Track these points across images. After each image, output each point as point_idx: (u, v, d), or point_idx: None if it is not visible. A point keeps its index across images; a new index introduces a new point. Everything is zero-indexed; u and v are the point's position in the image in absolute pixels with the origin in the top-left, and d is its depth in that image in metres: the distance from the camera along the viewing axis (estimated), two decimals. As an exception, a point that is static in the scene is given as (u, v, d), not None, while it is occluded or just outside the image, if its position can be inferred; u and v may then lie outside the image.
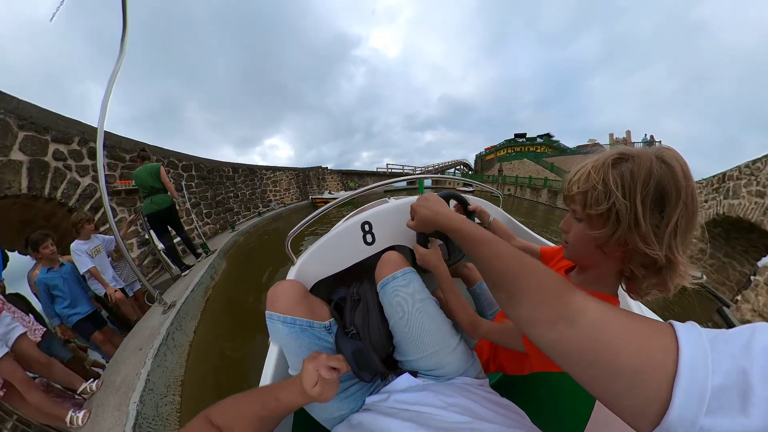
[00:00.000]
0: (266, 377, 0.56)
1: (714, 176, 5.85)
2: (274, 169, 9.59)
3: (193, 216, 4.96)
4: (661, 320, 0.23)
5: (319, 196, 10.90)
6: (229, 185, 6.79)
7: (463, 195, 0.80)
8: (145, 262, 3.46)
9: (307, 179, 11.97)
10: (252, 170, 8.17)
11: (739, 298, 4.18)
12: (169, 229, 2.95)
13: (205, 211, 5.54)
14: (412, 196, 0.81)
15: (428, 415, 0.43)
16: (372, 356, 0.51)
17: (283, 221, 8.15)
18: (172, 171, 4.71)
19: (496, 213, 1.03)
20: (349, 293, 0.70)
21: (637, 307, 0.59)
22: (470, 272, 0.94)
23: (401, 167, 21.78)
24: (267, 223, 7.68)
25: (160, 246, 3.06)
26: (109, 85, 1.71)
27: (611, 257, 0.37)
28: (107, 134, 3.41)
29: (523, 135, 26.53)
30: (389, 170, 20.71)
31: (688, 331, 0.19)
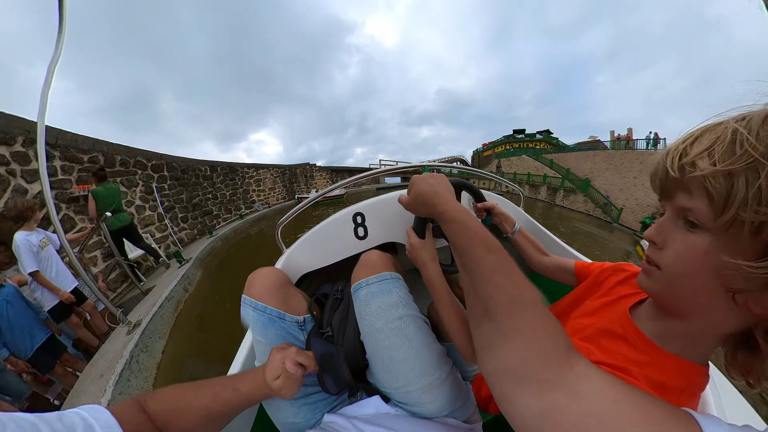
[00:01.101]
0: (236, 366, 0.55)
1: None
2: (258, 167, 9.25)
3: (167, 221, 4.72)
4: (674, 407, 0.18)
5: (306, 195, 10.80)
6: (206, 186, 6.50)
7: (480, 190, 0.67)
8: (112, 276, 3.22)
9: (293, 177, 11.66)
10: (232, 168, 7.87)
11: None
12: (126, 243, 3.15)
13: (180, 216, 5.28)
14: None
15: None
16: (342, 365, 0.46)
17: (267, 223, 7.93)
18: (140, 172, 4.44)
19: (515, 215, 0.86)
20: (333, 290, 0.65)
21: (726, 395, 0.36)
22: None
23: (395, 164, 21.42)
24: (249, 225, 7.43)
25: (134, 254, 3.36)
26: (49, 69, 1.46)
27: (742, 309, 0.21)
28: (60, 132, 3.15)
29: (522, 131, 26.78)
30: (382, 167, 20.35)
31: (714, 429, 0.16)
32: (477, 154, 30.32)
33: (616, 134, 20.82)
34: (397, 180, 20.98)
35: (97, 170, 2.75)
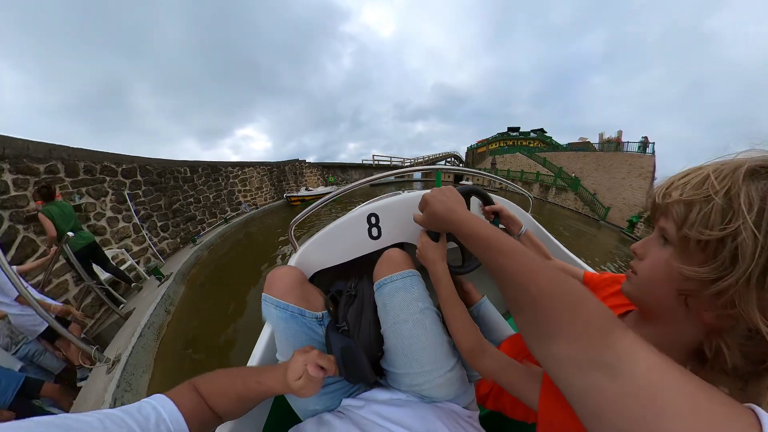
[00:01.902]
0: (254, 358, 0.59)
1: None
2: (243, 166, 8.73)
3: (145, 232, 4.40)
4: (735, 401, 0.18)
5: (295, 194, 9.83)
6: (187, 189, 6.08)
7: (489, 194, 0.72)
8: (88, 301, 2.95)
9: (282, 175, 11.07)
10: (215, 168, 7.38)
11: None
12: (93, 266, 2.95)
13: (159, 224, 4.94)
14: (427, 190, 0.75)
15: None
16: (361, 358, 0.51)
17: (256, 225, 7.61)
18: (109, 179, 4.07)
19: (522, 218, 0.91)
20: (347, 287, 0.70)
21: None
22: (468, 294, 0.81)
23: (389, 159, 20.76)
24: (237, 229, 7.08)
25: (106, 276, 3.05)
26: None
27: (695, 318, 0.26)
28: (8, 140, 2.79)
29: (517, 129, 27.23)
30: (376, 162, 19.47)
31: None
32: (471, 151, 30.53)
33: (605, 136, 21.65)
34: (392, 177, 20.91)
35: (40, 188, 2.44)
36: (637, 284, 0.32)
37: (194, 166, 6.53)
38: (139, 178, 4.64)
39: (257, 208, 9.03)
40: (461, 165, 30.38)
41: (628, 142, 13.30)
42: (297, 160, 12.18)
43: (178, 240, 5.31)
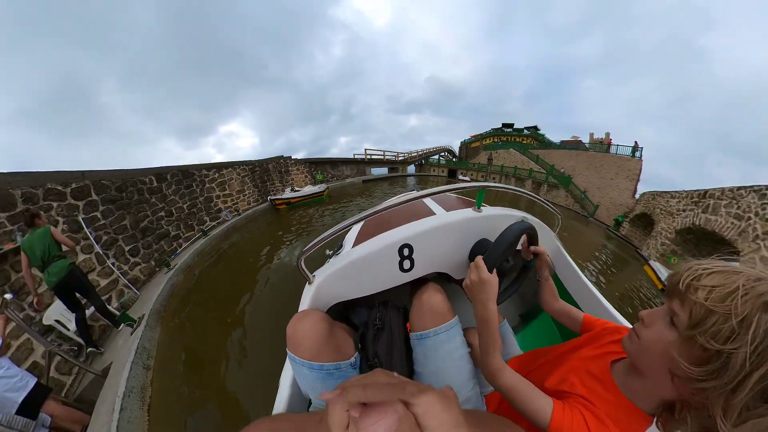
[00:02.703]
0: (279, 406, 0.62)
1: (695, 191, 6.50)
2: (220, 167, 7.81)
3: (110, 261, 3.80)
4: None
5: (279, 197, 8.75)
6: (156, 201, 5.31)
7: (536, 234, 0.72)
8: (59, 359, 2.39)
9: (266, 174, 10.00)
10: (187, 173, 6.46)
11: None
12: (78, 297, 2.57)
13: (128, 248, 4.31)
14: (464, 208, 0.86)
15: None
16: None
17: (240, 235, 6.91)
18: (57, 205, 3.42)
19: (548, 239, 0.96)
20: (371, 319, 0.71)
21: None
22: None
23: (382, 153, 19.22)
24: (218, 241, 6.38)
25: (72, 328, 2.66)
26: None
27: (676, 389, 0.35)
28: None
29: (511, 125, 27.46)
30: (368, 157, 18.21)
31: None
32: (465, 145, 30.56)
33: (594, 136, 22.43)
34: (384, 170, 19.71)
35: (23, 212, 2.33)
36: (637, 347, 0.40)
37: (161, 173, 5.67)
38: (94, 197, 3.92)
39: (239, 214, 8.22)
40: (455, 160, 30.38)
41: (619, 145, 13.66)
42: (282, 156, 11.10)
43: (153, 263, 4.68)
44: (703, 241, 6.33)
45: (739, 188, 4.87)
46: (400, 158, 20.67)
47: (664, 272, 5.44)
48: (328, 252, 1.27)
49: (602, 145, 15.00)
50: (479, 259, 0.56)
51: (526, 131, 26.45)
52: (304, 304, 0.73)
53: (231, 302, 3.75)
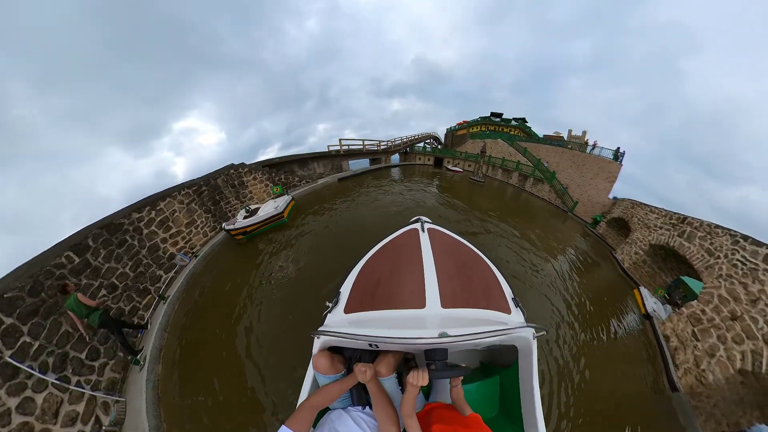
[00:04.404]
0: (306, 388, 1.43)
1: (674, 213, 7.42)
2: (154, 201, 5.77)
3: (73, 386, 3.05)
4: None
5: (233, 226, 6.69)
6: (88, 282, 4.07)
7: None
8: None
9: (216, 192, 7.79)
10: (113, 227, 4.79)
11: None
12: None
13: (84, 354, 3.45)
14: (453, 242, 2.28)
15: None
16: (362, 394, 1.39)
17: (202, 284, 5.45)
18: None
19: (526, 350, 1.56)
20: (354, 354, 1.52)
21: None
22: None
23: (361, 143, 15.78)
24: (181, 302, 5.05)
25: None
26: None
27: None
28: None
29: (500, 115, 27.46)
30: (344, 148, 14.47)
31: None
32: (451, 132, 30.29)
33: (572, 133, 23.99)
34: (365, 162, 17.44)
35: (57, 283, 3.27)
36: None
37: (78, 243, 4.20)
38: (6, 320, 2.86)
39: (196, 255, 6.32)
40: (440, 147, 30.05)
41: (603, 148, 14.65)
42: (232, 165, 8.51)
43: (120, 354, 3.83)
44: (671, 258, 7.48)
45: (717, 226, 5.67)
46: (382, 147, 17.98)
47: (650, 299, 6.38)
48: (327, 303, 1.84)
49: (586, 145, 16.00)
50: (426, 372, 1.14)
51: (514, 122, 26.95)
52: (316, 347, 1.44)
53: (232, 382, 3.45)
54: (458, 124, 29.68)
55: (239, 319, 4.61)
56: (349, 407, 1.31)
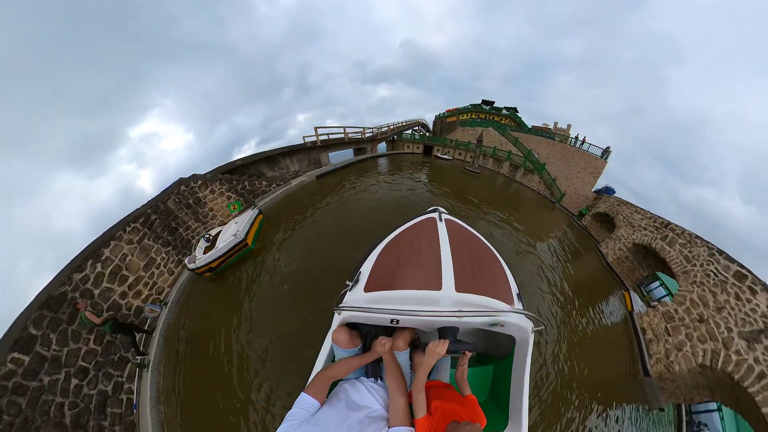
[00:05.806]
0: (319, 364, 1.51)
1: (659, 217, 8.16)
2: (96, 251, 4.68)
3: None
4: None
5: (196, 265, 5.61)
6: (47, 375, 3.42)
7: (457, 353, 1.51)
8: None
9: (171, 218, 6.36)
10: (51, 302, 3.85)
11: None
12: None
13: None
14: (468, 231, 2.45)
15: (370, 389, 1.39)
16: (377, 367, 1.54)
17: (192, 322, 4.95)
18: None
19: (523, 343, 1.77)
20: (370, 330, 1.73)
21: None
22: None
23: (342, 130, 13.60)
24: (168, 358, 4.48)
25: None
26: None
27: None
28: None
29: (491, 103, 26.93)
30: (320, 139, 11.88)
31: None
32: (439, 120, 29.61)
33: (557, 125, 24.70)
34: (348, 153, 16.06)
35: (73, 304, 4.08)
36: None
37: (21, 337, 3.33)
38: None
39: (166, 303, 5.37)
40: (428, 134, 29.45)
41: (591, 144, 15.22)
42: (181, 180, 6.83)
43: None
44: (650, 256, 8.42)
45: (696, 236, 6.38)
46: (367, 135, 16.15)
47: (639, 303, 7.17)
48: (347, 282, 1.98)
49: (575, 140, 16.54)
50: (446, 342, 1.33)
51: (505, 111, 26.65)
52: (336, 322, 1.59)
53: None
54: (447, 111, 28.98)
55: (231, 364, 4.09)
56: (362, 377, 1.45)
